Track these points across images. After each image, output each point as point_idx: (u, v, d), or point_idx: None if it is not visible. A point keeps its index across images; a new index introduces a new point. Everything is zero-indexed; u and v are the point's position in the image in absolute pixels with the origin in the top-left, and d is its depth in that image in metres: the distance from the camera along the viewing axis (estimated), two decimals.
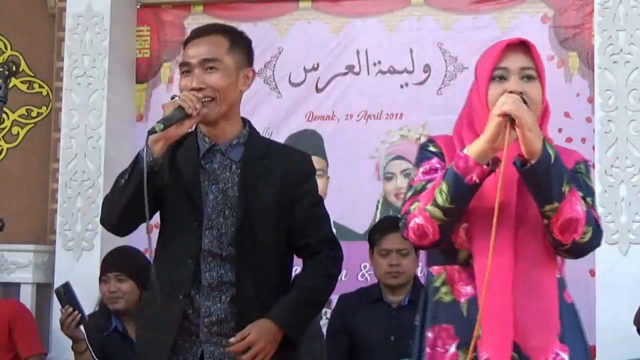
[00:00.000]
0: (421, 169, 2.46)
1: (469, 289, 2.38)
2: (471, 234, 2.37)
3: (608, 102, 4.58)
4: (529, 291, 2.33)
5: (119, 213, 2.76)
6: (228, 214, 2.79)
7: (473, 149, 2.29)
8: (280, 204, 2.82)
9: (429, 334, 2.42)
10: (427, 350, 2.42)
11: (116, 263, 4.26)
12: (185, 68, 2.82)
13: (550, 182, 2.27)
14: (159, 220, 2.94)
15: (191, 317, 2.77)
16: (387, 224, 4.24)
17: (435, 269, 2.47)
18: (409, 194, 2.44)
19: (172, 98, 2.75)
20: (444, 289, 2.42)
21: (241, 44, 2.89)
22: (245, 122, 2.93)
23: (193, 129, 2.91)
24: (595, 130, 4.61)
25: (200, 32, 2.88)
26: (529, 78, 2.40)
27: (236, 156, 2.84)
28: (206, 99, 2.76)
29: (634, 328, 4.08)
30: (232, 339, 2.72)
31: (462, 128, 2.46)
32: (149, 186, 2.63)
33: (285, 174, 2.84)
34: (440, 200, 2.31)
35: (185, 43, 2.90)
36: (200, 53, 2.80)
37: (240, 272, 2.76)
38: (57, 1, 5.47)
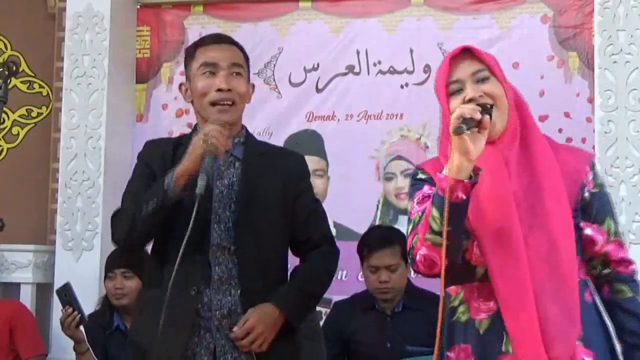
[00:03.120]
0: (415, 200, 2.46)
1: (491, 304, 2.36)
2: (482, 250, 2.36)
3: (608, 102, 4.58)
4: (551, 298, 2.30)
5: (144, 234, 2.82)
6: (234, 208, 2.83)
7: (451, 166, 2.29)
8: (284, 198, 2.90)
9: (450, 354, 2.42)
10: None
11: (123, 260, 4.27)
12: (210, 69, 2.88)
13: None
14: None
15: (201, 311, 2.80)
16: (375, 238, 4.20)
17: (452, 288, 2.45)
18: (410, 228, 2.43)
19: (204, 141, 2.71)
20: (461, 309, 2.42)
21: (248, 61, 3.00)
22: (242, 125, 3.03)
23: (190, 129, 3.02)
24: (595, 130, 4.61)
25: (221, 39, 2.98)
26: (484, 79, 2.40)
27: (238, 154, 2.93)
28: (227, 104, 2.85)
29: None
30: (235, 327, 2.76)
31: (446, 148, 2.42)
32: (167, 211, 2.73)
33: (286, 172, 2.93)
34: (435, 226, 2.29)
35: (198, 46, 2.95)
36: (228, 56, 2.89)
37: (244, 264, 2.80)
38: (57, 1, 5.47)
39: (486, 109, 2.32)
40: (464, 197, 2.26)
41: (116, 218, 2.87)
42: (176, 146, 2.91)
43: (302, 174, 3.00)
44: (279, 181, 2.90)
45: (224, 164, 2.89)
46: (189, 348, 2.79)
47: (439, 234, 2.28)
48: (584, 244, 2.42)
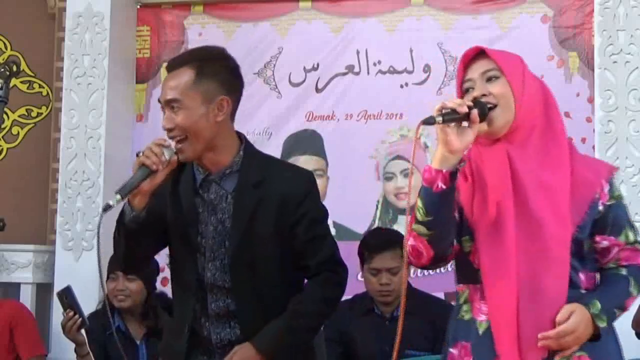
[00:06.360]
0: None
1: (485, 308, 2.40)
2: (477, 248, 2.39)
3: (608, 102, 4.58)
4: (532, 303, 2.33)
5: (123, 260, 2.91)
6: (228, 245, 2.77)
7: (434, 157, 2.33)
8: (279, 230, 2.78)
9: (454, 351, 2.45)
10: None
11: None
12: (160, 106, 2.78)
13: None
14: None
15: (204, 342, 2.82)
16: (376, 241, 4.16)
17: (460, 287, 2.49)
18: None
19: (137, 155, 2.68)
20: (465, 307, 2.45)
21: (212, 73, 2.73)
22: (241, 141, 2.84)
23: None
24: (595, 130, 4.62)
25: (171, 66, 2.78)
26: (494, 78, 2.43)
27: (230, 186, 2.78)
28: (179, 138, 2.70)
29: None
30: None
31: None
32: (147, 231, 2.72)
33: (282, 200, 2.77)
34: (419, 216, 2.34)
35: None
36: (165, 93, 2.73)
37: (242, 302, 2.77)
38: (57, 1, 5.48)
39: (480, 105, 2.35)
40: (444, 186, 2.30)
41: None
42: (178, 175, 2.86)
43: (301, 198, 2.80)
44: (273, 211, 2.76)
45: (216, 197, 2.79)
46: None
47: (422, 223, 2.33)
48: (599, 255, 2.45)
